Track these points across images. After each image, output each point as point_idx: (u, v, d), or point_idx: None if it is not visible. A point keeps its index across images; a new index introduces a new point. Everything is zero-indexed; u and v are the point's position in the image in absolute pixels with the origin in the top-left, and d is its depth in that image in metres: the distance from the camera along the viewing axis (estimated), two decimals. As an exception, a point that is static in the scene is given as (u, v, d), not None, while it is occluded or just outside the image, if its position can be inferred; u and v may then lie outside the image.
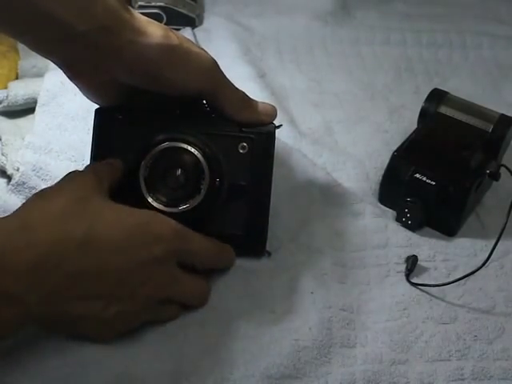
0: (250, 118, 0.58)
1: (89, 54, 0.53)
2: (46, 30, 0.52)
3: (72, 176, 0.54)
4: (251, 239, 0.59)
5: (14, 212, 0.50)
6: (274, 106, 0.60)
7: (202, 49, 0.58)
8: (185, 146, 0.56)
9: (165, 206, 0.56)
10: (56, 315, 0.50)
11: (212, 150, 0.57)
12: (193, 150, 0.56)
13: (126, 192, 0.56)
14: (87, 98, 0.58)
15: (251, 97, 0.59)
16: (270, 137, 0.59)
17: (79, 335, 0.53)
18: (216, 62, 0.57)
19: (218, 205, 0.58)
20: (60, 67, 0.56)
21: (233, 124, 0.58)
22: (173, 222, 0.54)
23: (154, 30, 0.54)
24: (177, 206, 0.56)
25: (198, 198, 0.56)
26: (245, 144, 0.58)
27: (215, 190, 0.57)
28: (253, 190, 0.59)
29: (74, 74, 0.56)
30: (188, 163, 0.56)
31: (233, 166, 0.58)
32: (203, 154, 0.56)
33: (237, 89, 0.58)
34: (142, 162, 0.56)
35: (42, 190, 0.53)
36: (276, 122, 0.60)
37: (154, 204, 0.56)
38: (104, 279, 0.50)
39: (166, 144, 0.56)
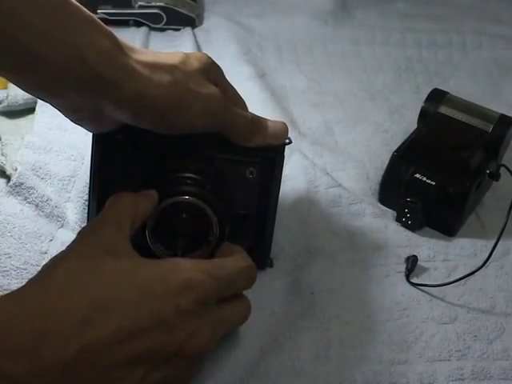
0: (259, 143, 0.55)
1: (88, 103, 0.50)
2: (40, 73, 0.47)
3: (78, 239, 0.48)
4: (254, 254, 0.55)
5: (19, 288, 0.45)
6: (284, 125, 0.57)
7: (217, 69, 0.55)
8: (192, 199, 0.52)
9: (172, 256, 0.52)
10: None
11: (220, 196, 0.53)
12: (200, 203, 0.52)
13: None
14: None
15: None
16: (279, 159, 0.56)
17: None
18: (226, 98, 0.53)
19: None
20: (59, 110, 0.53)
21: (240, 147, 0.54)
22: (200, 265, 0.48)
23: (161, 78, 0.50)
24: (185, 256, 0.53)
25: (209, 248, 0.53)
26: (253, 169, 0.55)
27: (224, 235, 0.54)
28: (259, 212, 0.57)
29: (74, 119, 0.53)
30: (196, 216, 0.52)
31: (240, 193, 0.55)
32: (211, 206, 0.52)
33: (246, 116, 0.55)
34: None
35: (46, 263, 0.47)
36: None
37: (160, 254, 0.53)
38: (126, 346, 0.44)
39: (172, 199, 0.52)
